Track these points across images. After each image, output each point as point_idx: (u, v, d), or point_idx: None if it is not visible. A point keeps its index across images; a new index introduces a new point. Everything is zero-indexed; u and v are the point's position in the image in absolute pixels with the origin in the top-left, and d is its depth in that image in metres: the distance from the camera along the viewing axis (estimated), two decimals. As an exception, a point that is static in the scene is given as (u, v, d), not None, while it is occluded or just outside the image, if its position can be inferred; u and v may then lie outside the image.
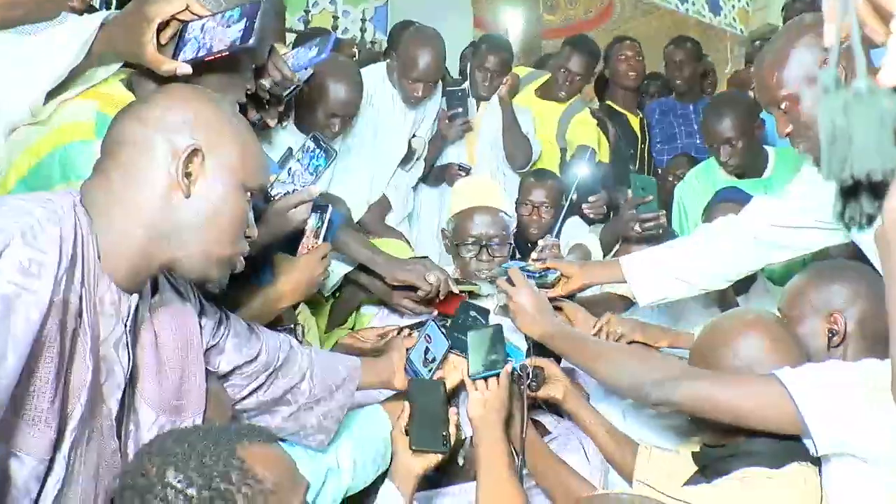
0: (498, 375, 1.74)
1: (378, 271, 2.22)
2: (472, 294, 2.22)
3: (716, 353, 1.56)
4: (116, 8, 2.22)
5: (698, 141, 3.92)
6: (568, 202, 2.79)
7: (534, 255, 2.22)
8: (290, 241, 1.84)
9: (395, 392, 1.88)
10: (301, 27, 5.23)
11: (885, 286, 0.81)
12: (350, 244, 2.19)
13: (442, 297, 2.17)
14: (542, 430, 2.09)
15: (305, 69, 2.25)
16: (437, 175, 3.49)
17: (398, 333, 2.02)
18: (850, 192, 0.63)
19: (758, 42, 4.68)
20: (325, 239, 1.86)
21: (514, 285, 1.90)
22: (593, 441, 1.92)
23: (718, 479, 1.50)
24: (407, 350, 1.84)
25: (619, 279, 2.12)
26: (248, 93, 1.54)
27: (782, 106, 1.72)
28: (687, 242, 2.12)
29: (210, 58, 1.34)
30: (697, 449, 1.69)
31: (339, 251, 2.16)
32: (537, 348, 1.95)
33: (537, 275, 2.06)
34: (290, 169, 1.94)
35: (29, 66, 1.34)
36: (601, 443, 1.90)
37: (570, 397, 1.92)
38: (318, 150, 1.96)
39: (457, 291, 2.19)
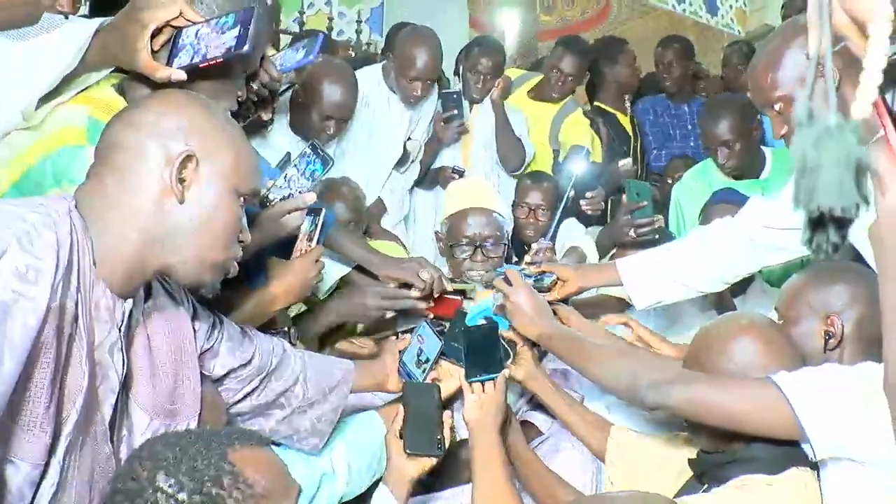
0: (495, 379, 1.73)
1: (372, 270, 2.24)
2: (465, 293, 2.23)
3: (710, 357, 1.55)
4: (96, 11, 2.23)
5: (692, 142, 3.92)
6: (564, 203, 2.79)
7: (527, 258, 2.22)
8: (284, 245, 1.85)
9: (393, 398, 1.89)
10: (296, 29, 5.24)
11: (879, 283, 0.82)
12: (345, 243, 2.21)
13: (436, 295, 2.19)
14: (535, 431, 2.10)
15: (293, 71, 2.26)
16: (431, 178, 3.51)
17: (396, 338, 2.03)
18: (817, 223, 0.65)
19: (734, 44, 4.66)
20: (318, 242, 1.87)
21: (511, 286, 1.90)
22: (562, 422, 1.94)
23: (717, 486, 1.49)
24: (400, 352, 1.84)
25: (615, 282, 2.13)
26: (240, 100, 1.55)
27: (776, 107, 1.72)
28: (683, 245, 2.13)
29: (205, 64, 1.35)
30: (683, 441, 1.70)
31: (333, 250, 2.17)
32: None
33: (533, 279, 2.07)
34: (286, 175, 1.95)
35: (21, 72, 1.34)
36: (570, 423, 1.91)
37: (532, 380, 1.92)
38: (315, 157, 1.97)
39: (450, 289, 2.20)
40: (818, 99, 0.65)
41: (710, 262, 2.01)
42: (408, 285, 2.18)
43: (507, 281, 1.91)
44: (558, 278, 2.11)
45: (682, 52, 4.07)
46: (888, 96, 0.70)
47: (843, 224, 0.65)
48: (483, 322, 1.93)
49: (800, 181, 0.64)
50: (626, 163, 3.30)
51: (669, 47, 4.08)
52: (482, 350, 1.76)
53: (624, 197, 2.60)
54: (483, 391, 1.71)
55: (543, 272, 2.10)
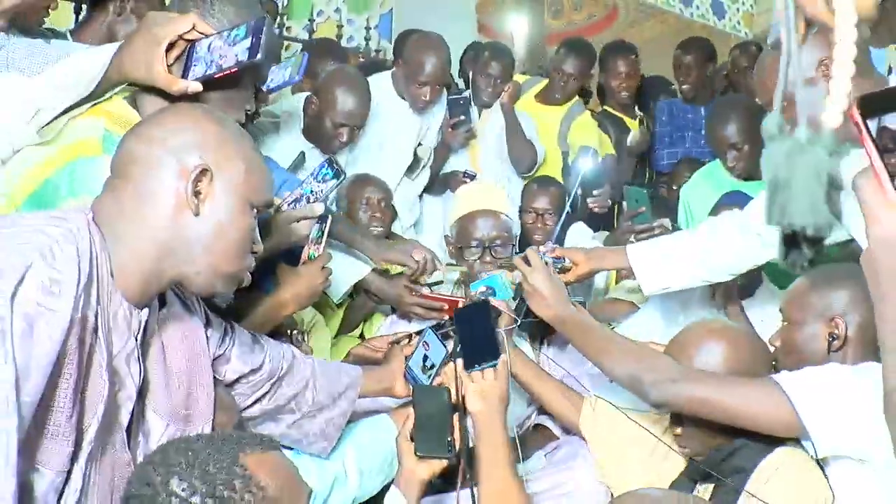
0: (495, 367, 1.68)
1: (366, 254, 2.32)
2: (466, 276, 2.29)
3: (682, 359, 1.59)
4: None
5: (701, 144, 3.90)
6: (571, 205, 2.81)
7: (542, 248, 2.22)
8: (293, 252, 1.87)
9: (404, 401, 1.90)
10: (305, 36, 5.26)
11: (875, 309, 0.81)
12: (342, 231, 2.27)
13: (429, 275, 2.28)
14: (549, 435, 2.11)
15: (279, 90, 2.30)
16: (441, 183, 3.52)
17: (409, 341, 2.02)
18: (791, 239, 0.65)
19: (743, 45, 4.61)
20: (325, 248, 1.89)
21: (530, 266, 1.89)
22: (541, 399, 1.97)
23: (724, 481, 1.51)
24: (406, 358, 1.85)
25: (624, 267, 2.17)
26: (248, 112, 1.57)
27: None
28: (693, 234, 2.15)
29: (220, 74, 1.37)
30: (655, 418, 1.74)
31: (333, 238, 2.21)
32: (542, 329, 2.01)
33: (552, 261, 2.08)
34: (301, 182, 1.99)
35: (36, 104, 1.37)
36: (548, 400, 1.95)
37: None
38: (329, 170, 2.00)
39: (445, 273, 2.29)
40: (803, 110, 0.65)
41: (718, 253, 2.02)
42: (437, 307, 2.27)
43: (527, 261, 1.90)
44: (572, 262, 2.13)
45: (701, 55, 4.01)
46: (871, 124, 0.69)
47: (816, 241, 0.64)
48: (479, 296, 1.94)
49: (772, 198, 0.64)
50: (633, 135, 3.26)
51: (689, 51, 4.02)
52: (477, 336, 1.72)
53: (624, 204, 2.62)
54: (483, 378, 1.67)
55: (557, 256, 2.12)
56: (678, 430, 1.64)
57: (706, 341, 1.60)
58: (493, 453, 1.60)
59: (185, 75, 1.39)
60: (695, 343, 1.61)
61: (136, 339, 1.19)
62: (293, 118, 2.76)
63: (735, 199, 2.53)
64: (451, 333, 1.84)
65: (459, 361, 1.69)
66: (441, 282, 2.54)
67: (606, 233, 3.21)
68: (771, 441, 1.51)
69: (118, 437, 1.18)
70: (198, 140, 1.18)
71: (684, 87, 4.03)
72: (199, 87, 1.37)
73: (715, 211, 2.53)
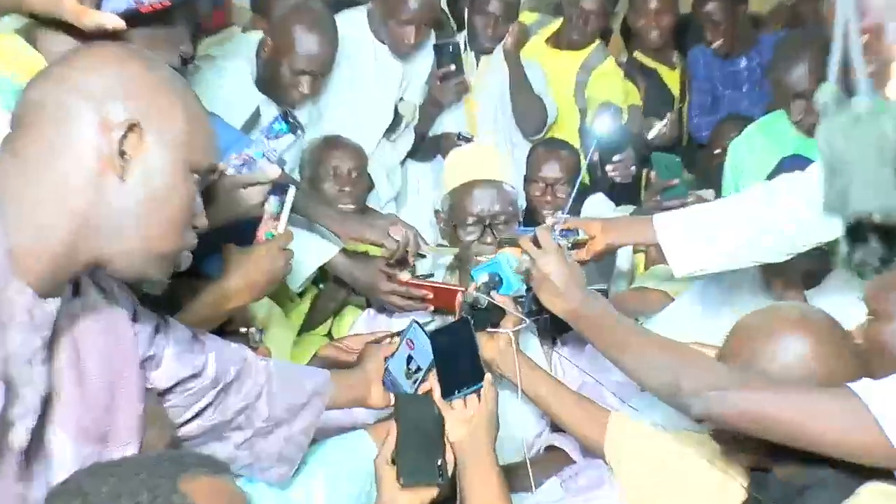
0: (479, 390, 1.70)
1: (332, 229, 2.36)
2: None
3: (748, 354, 1.55)
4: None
5: (746, 105, 3.86)
6: (588, 172, 2.81)
7: (550, 220, 2.20)
8: (244, 230, 1.86)
9: (385, 414, 1.90)
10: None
11: None
12: (301, 202, 2.24)
13: (411, 258, 2.32)
14: (564, 458, 2.11)
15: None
16: (431, 147, 3.55)
17: (390, 340, 2.02)
18: (856, 233, 0.64)
19: None
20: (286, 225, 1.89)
21: (539, 248, 1.86)
22: (558, 418, 2.00)
23: None
24: (385, 360, 1.83)
25: (649, 241, 2.15)
26: (184, 56, 1.56)
27: (863, 39, 1.70)
28: (740, 200, 2.11)
29: (147, 9, 1.37)
30: (695, 441, 1.74)
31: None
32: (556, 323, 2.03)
33: (564, 234, 2.08)
34: (251, 141, 1.98)
35: None
36: (566, 418, 1.97)
37: (508, 361, 1.94)
38: (284, 125, 2.00)
39: (428, 254, 2.34)
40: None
41: (773, 225, 1.98)
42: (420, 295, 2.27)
43: (537, 243, 1.88)
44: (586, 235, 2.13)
45: (727, 2, 3.94)
46: None
47: (889, 232, 0.63)
48: (481, 287, 1.96)
49: (830, 182, 0.62)
50: (658, 127, 3.25)
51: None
52: (456, 358, 1.74)
53: (653, 174, 2.60)
54: (466, 406, 1.69)
55: (568, 229, 2.11)
56: (722, 448, 1.63)
57: (781, 334, 1.54)
58: (481, 489, 1.62)
59: (100, 6, 1.37)
60: (765, 336, 1.55)
61: (42, 338, 1.16)
62: (243, 64, 2.76)
63: (800, 164, 2.48)
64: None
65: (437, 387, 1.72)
66: (432, 274, 2.53)
67: (632, 207, 3.21)
68: (853, 471, 1.43)
69: (11, 464, 1.13)
70: (124, 86, 1.16)
71: (714, 44, 3.96)
72: (119, 22, 1.36)
73: (774, 175, 2.49)
